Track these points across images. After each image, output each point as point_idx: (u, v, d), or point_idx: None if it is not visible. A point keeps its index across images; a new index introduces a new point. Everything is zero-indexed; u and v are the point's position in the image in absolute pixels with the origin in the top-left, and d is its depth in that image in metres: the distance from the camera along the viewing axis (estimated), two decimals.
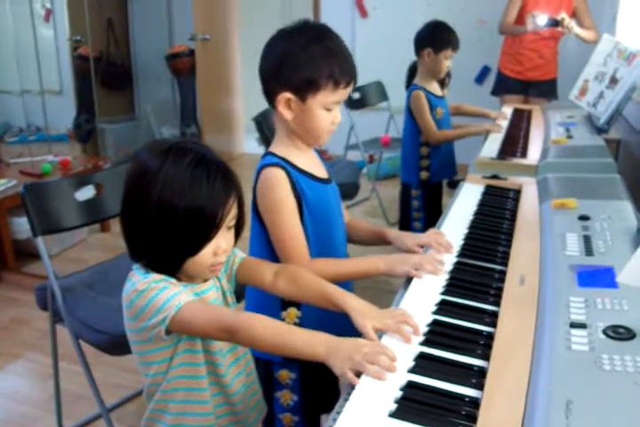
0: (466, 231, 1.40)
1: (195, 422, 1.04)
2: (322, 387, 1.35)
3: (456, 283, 1.14)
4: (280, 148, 1.25)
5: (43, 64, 3.74)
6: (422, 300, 1.08)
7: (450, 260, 1.24)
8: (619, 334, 0.85)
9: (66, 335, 1.72)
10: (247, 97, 5.09)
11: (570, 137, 2.11)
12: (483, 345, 0.93)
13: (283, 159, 1.22)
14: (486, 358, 0.88)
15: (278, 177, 1.19)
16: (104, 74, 4.73)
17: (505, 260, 1.22)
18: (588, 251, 1.14)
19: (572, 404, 0.71)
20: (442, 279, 1.16)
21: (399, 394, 0.81)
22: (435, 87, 2.59)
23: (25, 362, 2.32)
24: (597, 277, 1.03)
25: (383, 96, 3.83)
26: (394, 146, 3.73)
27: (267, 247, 1.24)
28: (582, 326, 0.88)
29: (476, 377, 0.85)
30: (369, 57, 4.28)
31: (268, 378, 1.30)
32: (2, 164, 3.51)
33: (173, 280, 0.99)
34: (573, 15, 3.37)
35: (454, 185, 2.00)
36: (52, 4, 4.44)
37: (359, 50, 4.39)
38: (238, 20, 5.11)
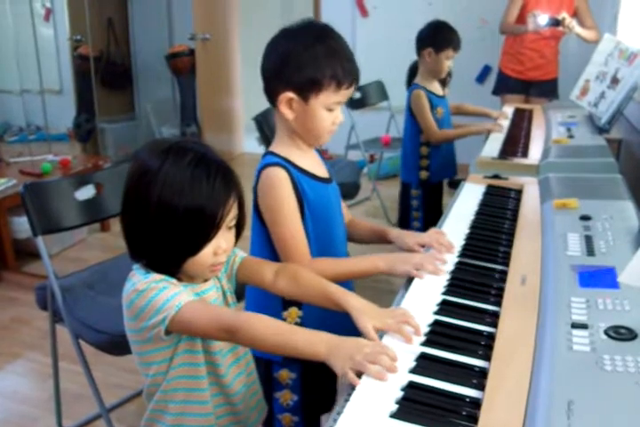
0: (467, 231, 1.39)
1: (195, 422, 1.04)
2: (322, 387, 1.34)
3: (457, 283, 1.13)
4: (281, 147, 1.25)
5: (43, 63, 3.74)
6: (423, 300, 1.08)
7: (451, 260, 1.24)
8: (620, 334, 0.85)
9: (66, 335, 1.72)
10: (247, 96, 5.09)
11: (571, 137, 2.10)
12: (484, 345, 0.92)
13: (284, 159, 1.22)
14: (487, 358, 0.88)
15: (279, 177, 1.19)
16: (104, 73, 4.73)
17: (506, 260, 1.22)
18: (590, 251, 1.14)
19: (574, 404, 0.71)
20: (443, 279, 1.15)
21: (400, 394, 0.81)
22: (436, 87, 2.59)
23: (25, 362, 2.32)
24: (599, 278, 1.03)
25: (384, 96, 3.83)
26: (394, 146, 3.73)
27: (268, 247, 1.24)
28: (584, 326, 0.88)
29: (477, 378, 0.84)
30: (369, 56, 4.28)
31: (268, 378, 1.30)
32: (2, 163, 3.51)
33: (174, 280, 0.99)
34: (574, 15, 3.37)
35: (455, 185, 2.00)
36: (52, 4, 4.44)
37: (360, 49, 4.39)
38: (238, 19, 5.11)
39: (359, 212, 3.78)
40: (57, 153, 3.65)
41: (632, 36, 3.05)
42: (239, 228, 1.04)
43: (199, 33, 4.46)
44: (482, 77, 4.39)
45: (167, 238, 0.95)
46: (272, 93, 1.20)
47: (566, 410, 0.70)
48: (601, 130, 2.13)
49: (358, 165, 3.42)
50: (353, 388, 0.83)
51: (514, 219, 1.46)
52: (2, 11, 3.93)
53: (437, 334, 0.96)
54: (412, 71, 2.71)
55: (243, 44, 5.13)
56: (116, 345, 1.56)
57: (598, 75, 2.33)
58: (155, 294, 0.95)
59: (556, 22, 3.28)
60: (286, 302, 1.26)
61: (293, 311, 1.26)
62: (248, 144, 5.11)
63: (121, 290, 1.00)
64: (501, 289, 1.09)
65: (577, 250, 1.15)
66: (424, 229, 1.37)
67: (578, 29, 3.32)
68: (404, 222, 2.72)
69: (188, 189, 0.93)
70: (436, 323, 0.99)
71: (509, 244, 1.29)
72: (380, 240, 1.38)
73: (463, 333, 0.97)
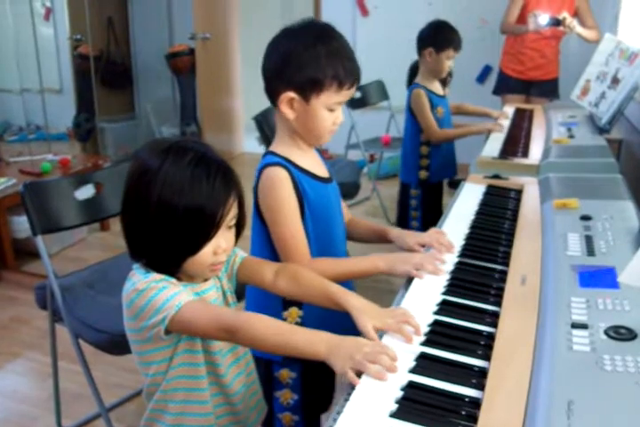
0: (467, 231, 1.39)
1: (194, 422, 1.04)
2: (322, 386, 1.34)
3: (457, 283, 1.13)
4: (281, 147, 1.25)
5: (43, 63, 3.74)
6: (423, 300, 1.08)
7: (451, 260, 1.24)
8: (620, 334, 0.85)
9: (65, 334, 1.72)
10: (247, 96, 5.09)
11: (571, 137, 2.10)
12: (484, 345, 0.92)
13: (284, 158, 1.22)
14: (487, 358, 0.88)
15: (280, 176, 1.19)
16: (104, 73, 4.73)
17: (506, 260, 1.22)
18: (590, 251, 1.14)
19: (574, 404, 0.71)
20: (443, 279, 1.15)
21: (400, 394, 0.81)
22: (436, 86, 2.59)
23: (24, 361, 2.32)
24: (599, 278, 1.03)
25: (384, 95, 3.83)
26: (394, 145, 3.73)
27: (268, 246, 1.24)
28: (584, 326, 0.88)
29: (477, 377, 0.84)
30: (370, 56, 4.27)
31: (268, 378, 1.30)
32: (1, 162, 3.51)
33: (173, 280, 0.98)
34: (575, 15, 3.37)
35: (455, 185, 2.00)
36: (52, 3, 4.44)
37: (360, 49, 4.38)
38: (238, 19, 5.11)
39: (359, 211, 3.78)
40: (57, 152, 3.65)
41: (633, 35, 3.05)
42: (239, 227, 1.04)
43: (199, 32, 4.46)
44: (482, 77, 4.39)
45: (167, 238, 0.95)
46: (273, 93, 1.20)
47: (566, 410, 0.70)
48: (601, 130, 2.13)
49: (358, 165, 3.42)
50: (353, 387, 0.83)
51: (514, 219, 1.46)
52: (2, 10, 3.93)
53: (437, 334, 0.96)
54: (413, 71, 2.71)
55: (243, 44, 5.13)
56: (116, 345, 1.56)
57: (599, 75, 2.33)
58: (155, 293, 0.95)
59: (556, 22, 3.27)
60: (286, 302, 1.25)
61: (294, 311, 1.26)
62: (248, 144, 5.11)
63: (121, 289, 1.00)
64: (501, 289, 1.08)
65: (577, 250, 1.15)
66: (422, 228, 1.36)
67: (579, 29, 3.32)
68: (403, 222, 2.72)
69: (188, 189, 0.93)
70: (436, 323, 0.99)
71: (509, 244, 1.29)
72: (380, 240, 1.38)
73: (463, 333, 0.97)
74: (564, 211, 1.37)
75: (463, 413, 0.77)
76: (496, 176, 1.79)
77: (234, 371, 1.07)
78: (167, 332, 0.95)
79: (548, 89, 3.56)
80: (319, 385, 1.32)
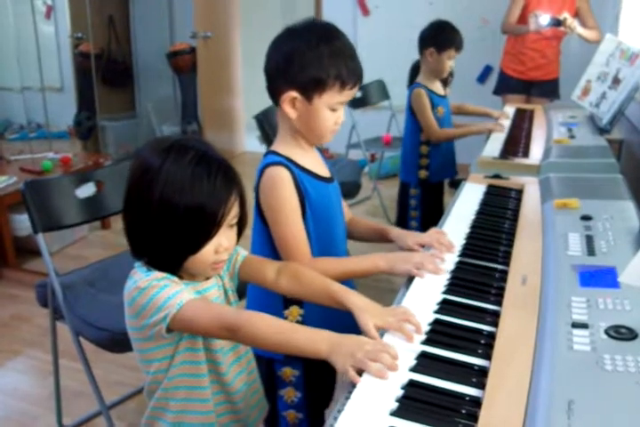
0: (468, 231, 1.40)
1: (195, 420, 1.04)
2: (325, 383, 1.35)
3: (458, 282, 1.14)
4: (283, 146, 1.25)
5: (43, 61, 3.74)
6: (424, 299, 1.08)
7: (451, 259, 1.24)
8: (621, 334, 0.85)
9: (66, 332, 1.72)
10: (248, 95, 5.09)
11: (572, 137, 2.11)
12: (484, 344, 0.93)
13: (286, 158, 1.22)
14: (488, 357, 0.88)
15: (282, 176, 1.19)
16: (105, 71, 4.73)
17: (507, 259, 1.22)
18: (591, 251, 1.14)
19: (574, 404, 0.71)
20: (443, 278, 1.16)
21: (400, 393, 0.81)
22: (437, 86, 2.59)
23: (25, 359, 2.33)
24: (599, 278, 1.03)
25: (385, 95, 3.83)
26: (395, 145, 3.73)
27: (268, 246, 1.24)
28: (584, 326, 0.88)
29: (478, 376, 0.85)
30: (370, 56, 4.25)
31: (271, 376, 1.30)
32: (2, 160, 3.51)
33: (175, 278, 0.99)
34: (576, 15, 3.37)
35: (456, 185, 2.00)
36: (53, 1, 4.44)
37: (361, 48, 4.32)
38: (239, 17, 5.11)
39: (360, 211, 3.78)
40: (57, 151, 3.65)
41: (633, 36, 3.05)
42: (241, 226, 1.04)
43: (200, 31, 4.46)
44: (483, 77, 4.39)
45: (168, 236, 0.95)
46: (275, 92, 1.20)
47: (566, 409, 0.70)
48: (602, 130, 2.13)
49: (359, 165, 3.42)
50: (354, 386, 0.83)
51: (514, 219, 1.46)
52: (3, 8, 3.94)
53: (438, 333, 0.96)
54: (414, 70, 2.71)
55: (244, 43, 5.13)
56: (117, 343, 1.57)
57: (600, 75, 2.33)
58: (156, 291, 0.95)
59: (557, 22, 3.28)
60: (287, 301, 1.26)
61: (294, 310, 1.26)
62: (249, 143, 5.11)
63: (122, 288, 1.01)
64: (502, 289, 1.09)
65: (577, 250, 1.15)
66: (422, 228, 1.37)
67: (579, 30, 3.32)
68: (402, 222, 2.72)
69: (189, 188, 0.94)
70: (437, 322, 1.00)
71: (510, 243, 1.30)
72: (381, 239, 1.39)
73: (464, 332, 0.97)
74: (565, 211, 1.37)
75: (464, 411, 0.78)
76: (497, 176, 1.79)
77: (235, 369, 1.08)
78: (168, 330, 0.95)
79: (548, 89, 3.56)
80: (322, 382, 1.32)
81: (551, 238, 1.23)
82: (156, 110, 4.88)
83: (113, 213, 1.88)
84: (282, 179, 1.19)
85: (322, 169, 1.30)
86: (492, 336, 0.94)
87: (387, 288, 2.66)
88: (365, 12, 4.62)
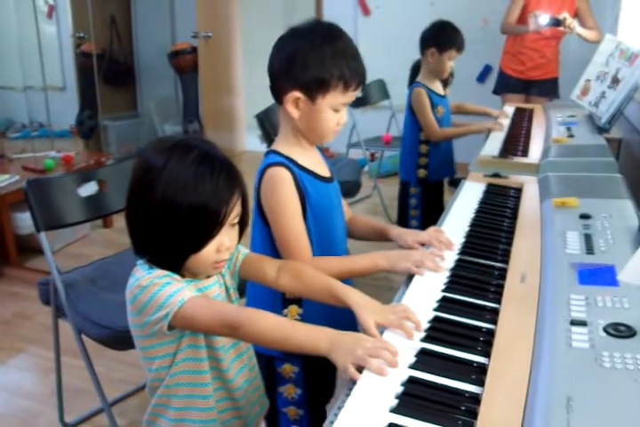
0: (467, 229, 1.40)
1: (197, 416, 1.05)
2: (325, 379, 1.35)
3: (457, 280, 1.14)
4: (284, 146, 1.26)
5: (46, 60, 3.75)
6: (423, 296, 1.09)
7: (451, 257, 1.25)
8: (619, 331, 0.86)
9: (68, 330, 1.73)
10: (249, 94, 5.09)
11: (571, 136, 2.11)
12: (483, 342, 0.93)
13: (286, 158, 1.23)
14: (487, 354, 0.89)
15: (283, 177, 1.20)
16: (107, 71, 4.74)
17: (506, 258, 1.23)
18: (589, 249, 1.15)
19: (573, 401, 0.71)
20: (443, 276, 1.16)
21: (400, 390, 0.82)
22: (437, 86, 2.59)
23: (27, 356, 2.34)
24: (598, 276, 1.04)
25: (385, 94, 3.83)
26: (395, 144, 3.74)
27: (269, 245, 1.25)
28: (583, 323, 0.89)
29: (477, 373, 0.85)
30: (371, 55, 4.22)
31: (271, 373, 1.31)
32: (5, 159, 3.52)
33: (177, 276, 0.99)
34: (576, 15, 3.37)
35: (456, 184, 2.01)
36: (55, 1, 4.45)
37: (361, 48, 4.32)
38: (241, 17, 5.12)
39: (360, 210, 3.79)
40: (59, 150, 3.66)
41: (633, 36, 3.05)
42: (243, 225, 1.05)
43: (202, 31, 4.47)
44: (483, 77, 4.39)
45: (170, 235, 0.96)
46: (279, 92, 1.21)
47: (565, 406, 0.70)
48: (601, 129, 2.13)
49: (359, 164, 3.42)
50: (354, 382, 0.83)
51: (514, 217, 1.46)
52: (5, 8, 3.95)
53: (437, 331, 0.97)
54: (415, 70, 2.71)
55: (245, 43, 5.14)
56: (119, 340, 1.57)
57: (599, 75, 2.33)
58: (158, 289, 0.95)
59: (556, 22, 3.28)
60: (286, 300, 1.26)
61: (293, 309, 1.27)
62: (250, 142, 5.11)
63: (124, 286, 1.01)
64: (501, 286, 1.09)
65: (576, 248, 1.16)
66: (422, 227, 1.37)
67: (579, 30, 3.32)
68: (403, 221, 2.72)
69: (192, 187, 0.94)
70: (436, 319, 1.00)
71: (509, 242, 1.30)
72: (381, 238, 1.39)
73: (463, 329, 0.97)
74: (564, 209, 1.37)
75: (463, 408, 0.78)
76: (496, 175, 1.79)
77: (236, 366, 1.08)
78: (170, 327, 0.96)
79: (547, 89, 3.56)
80: (322, 378, 1.33)
81: (550, 237, 1.24)
82: (158, 110, 4.89)
83: (115, 211, 1.88)
84: (282, 179, 1.20)
85: (322, 169, 1.30)
86: (491, 334, 0.94)
87: (385, 286, 2.67)
88: (366, 11, 4.62)
